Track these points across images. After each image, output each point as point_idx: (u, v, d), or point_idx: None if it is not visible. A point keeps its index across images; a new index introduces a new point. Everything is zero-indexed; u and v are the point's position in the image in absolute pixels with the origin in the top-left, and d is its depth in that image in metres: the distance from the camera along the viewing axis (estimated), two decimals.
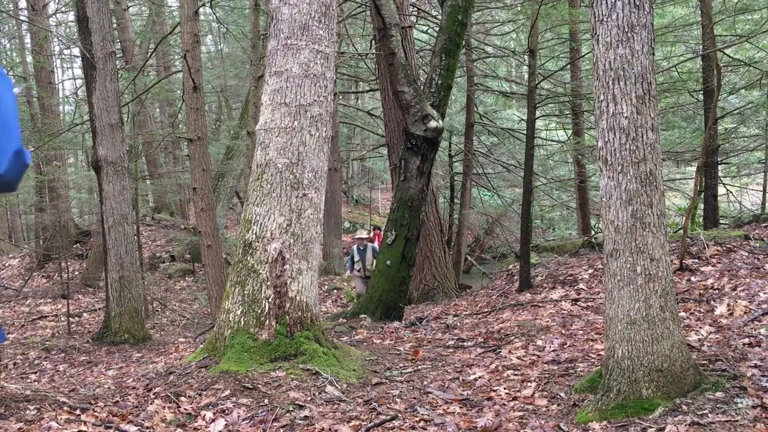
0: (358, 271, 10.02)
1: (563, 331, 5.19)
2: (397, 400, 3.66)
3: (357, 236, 10.57)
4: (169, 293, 12.97)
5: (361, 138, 22.42)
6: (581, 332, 5.08)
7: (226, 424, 3.17)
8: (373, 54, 11.45)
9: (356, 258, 9.95)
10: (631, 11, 3.19)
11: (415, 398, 3.71)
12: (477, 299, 9.07)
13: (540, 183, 15.20)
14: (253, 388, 3.64)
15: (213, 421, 3.22)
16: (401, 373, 4.29)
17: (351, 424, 3.21)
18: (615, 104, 3.22)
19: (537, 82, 8.93)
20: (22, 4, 16.72)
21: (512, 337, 5.15)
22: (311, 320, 4.28)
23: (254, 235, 4.27)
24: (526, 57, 11.89)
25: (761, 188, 13.95)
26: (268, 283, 4.17)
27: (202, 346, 4.72)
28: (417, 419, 3.32)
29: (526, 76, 12.49)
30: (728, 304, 5.13)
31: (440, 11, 7.86)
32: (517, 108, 18.66)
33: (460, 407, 3.56)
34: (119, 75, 8.78)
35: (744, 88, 11.14)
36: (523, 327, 5.54)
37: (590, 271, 8.07)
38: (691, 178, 14.67)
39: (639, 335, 3.18)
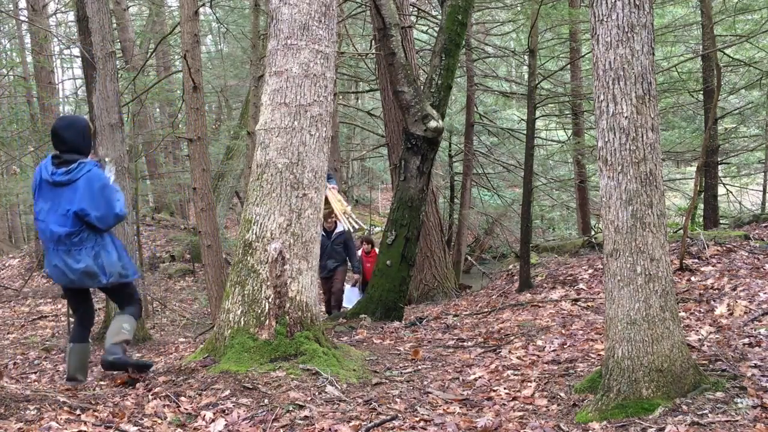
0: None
1: (563, 331, 5.19)
2: (397, 400, 3.66)
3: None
4: (169, 293, 12.97)
5: (361, 138, 22.40)
6: (581, 332, 5.08)
7: (226, 424, 3.17)
8: (373, 54, 11.45)
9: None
10: (631, 11, 3.19)
11: (415, 398, 3.71)
12: (477, 299, 9.07)
13: (540, 183, 15.20)
14: (253, 388, 3.64)
15: (213, 421, 3.22)
16: (401, 373, 4.29)
17: (351, 424, 3.21)
18: (615, 104, 3.23)
19: (537, 82, 8.93)
20: (22, 4, 16.73)
21: (512, 337, 5.15)
22: (311, 320, 4.29)
23: (254, 235, 4.27)
24: (526, 57, 11.89)
25: (761, 188, 13.97)
26: (268, 283, 4.17)
27: (202, 346, 4.72)
28: (417, 419, 3.32)
29: (526, 76, 12.49)
30: (728, 304, 5.13)
31: (440, 11, 7.86)
32: (517, 108, 18.67)
33: (460, 407, 3.56)
34: (119, 75, 8.77)
35: (744, 88, 11.15)
36: (523, 327, 5.54)
37: (590, 271, 8.07)
38: (691, 178, 14.67)
39: (639, 335, 3.18)
